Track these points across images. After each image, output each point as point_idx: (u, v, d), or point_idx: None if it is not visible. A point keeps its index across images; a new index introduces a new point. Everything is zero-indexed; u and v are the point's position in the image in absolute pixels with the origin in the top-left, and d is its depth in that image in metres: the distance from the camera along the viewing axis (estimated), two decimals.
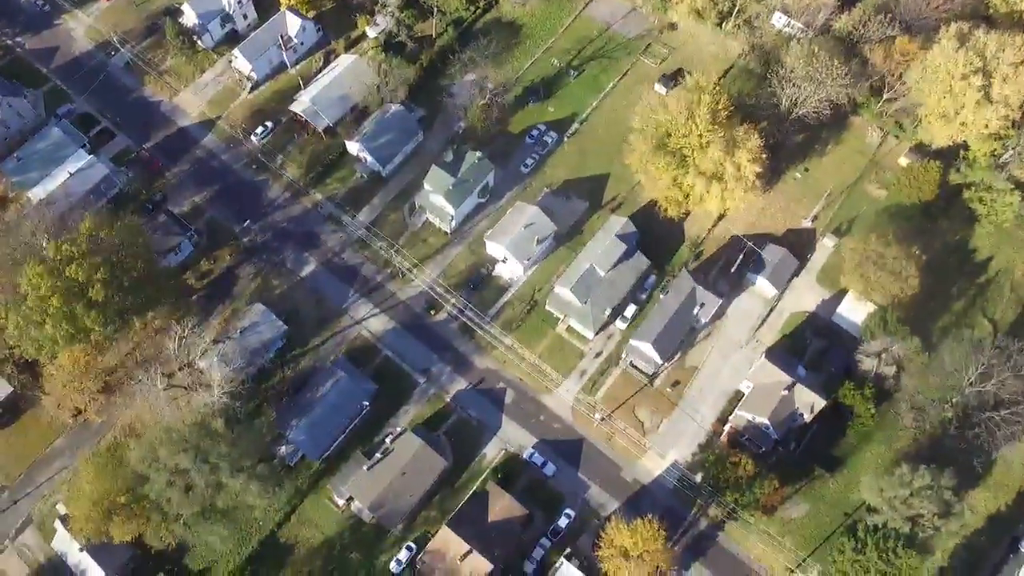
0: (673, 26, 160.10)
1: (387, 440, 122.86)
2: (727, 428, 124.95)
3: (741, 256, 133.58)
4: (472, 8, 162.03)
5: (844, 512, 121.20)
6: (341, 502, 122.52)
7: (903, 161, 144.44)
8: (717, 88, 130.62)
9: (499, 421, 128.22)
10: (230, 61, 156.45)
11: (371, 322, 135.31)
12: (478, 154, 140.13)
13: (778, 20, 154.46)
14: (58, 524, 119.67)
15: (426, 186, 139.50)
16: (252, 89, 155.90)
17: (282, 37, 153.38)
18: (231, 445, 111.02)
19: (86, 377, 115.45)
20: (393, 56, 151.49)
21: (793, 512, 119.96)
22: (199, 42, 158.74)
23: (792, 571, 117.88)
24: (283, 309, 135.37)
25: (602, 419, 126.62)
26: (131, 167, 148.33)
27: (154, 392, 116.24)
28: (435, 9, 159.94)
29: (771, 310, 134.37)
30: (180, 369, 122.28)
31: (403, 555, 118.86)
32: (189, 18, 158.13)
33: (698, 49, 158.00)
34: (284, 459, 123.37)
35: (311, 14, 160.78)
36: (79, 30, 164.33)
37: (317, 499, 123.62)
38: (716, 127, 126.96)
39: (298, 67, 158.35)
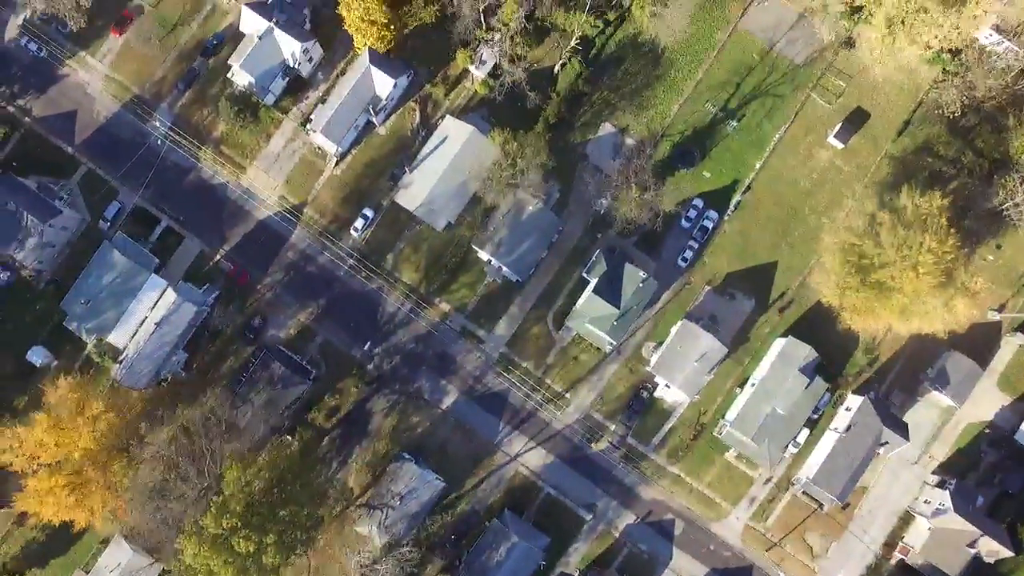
0: (850, 43, 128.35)
1: None
2: (897, 555, 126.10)
3: (924, 380, 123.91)
4: (600, 24, 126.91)
5: None
6: None
7: None
8: (941, 216, 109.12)
9: (670, 553, 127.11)
10: (307, 131, 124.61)
11: (527, 457, 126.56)
12: (642, 274, 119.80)
13: (987, 38, 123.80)
14: None
15: (581, 308, 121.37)
16: (338, 163, 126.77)
17: (372, 108, 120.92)
18: None
19: None
20: (521, 132, 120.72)
21: None
22: (257, 99, 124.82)
23: None
24: (430, 450, 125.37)
25: (771, 548, 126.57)
26: (215, 282, 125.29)
27: None
28: (552, 26, 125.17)
29: (945, 422, 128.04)
30: None
31: None
32: (242, 80, 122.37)
33: (879, 77, 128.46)
34: None
35: (387, 39, 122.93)
36: (94, 83, 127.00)
37: None
38: (936, 271, 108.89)
39: (389, 124, 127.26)
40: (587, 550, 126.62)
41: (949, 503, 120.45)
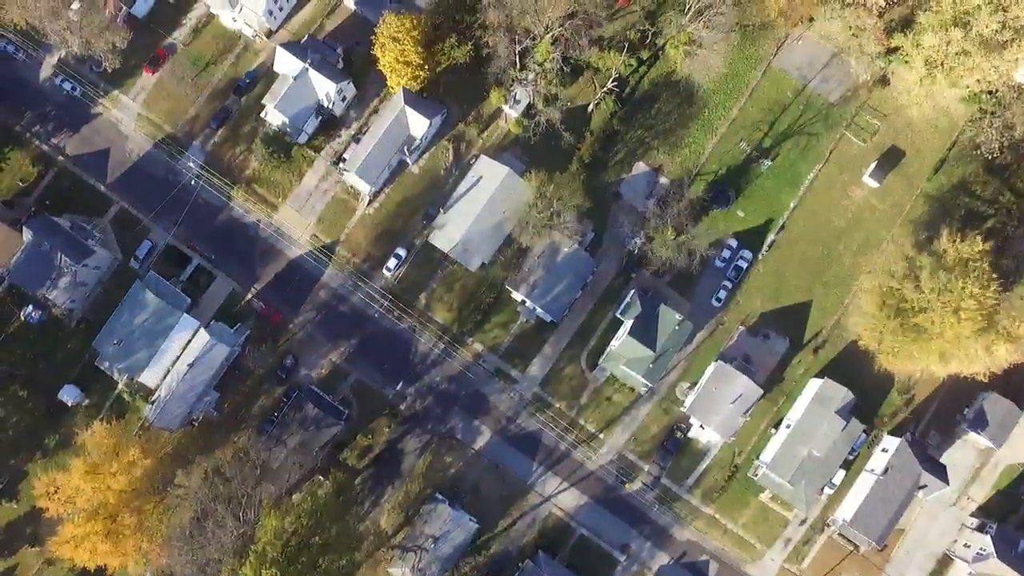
0: (884, 81, 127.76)
1: None
2: None
3: (961, 421, 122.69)
4: (634, 63, 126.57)
5: None
6: None
7: None
8: (982, 261, 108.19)
9: None
10: (339, 171, 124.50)
11: (561, 497, 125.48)
12: (678, 316, 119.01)
13: None
14: None
15: (616, 350, 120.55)
16: (370, 202, 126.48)
17: (406, 148, 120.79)
18: None
19: None
20: (558, 173, 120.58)
21: None
22: (290, 139, 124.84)
23: None
24: (463, 491, 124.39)
25: None
26: (247, 321, 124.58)
27: None
28: (587, 65, 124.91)
29: (983, 464, 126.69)
30: None
31: None
32: (276, 120, 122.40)
33: (914, 115, 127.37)
34: None
35: (421, 78, 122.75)
36: (127, 122, 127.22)
37: None
38: (979, 316, 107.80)
39: (422, 163, 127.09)
40: None
41: (991, 547, 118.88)
